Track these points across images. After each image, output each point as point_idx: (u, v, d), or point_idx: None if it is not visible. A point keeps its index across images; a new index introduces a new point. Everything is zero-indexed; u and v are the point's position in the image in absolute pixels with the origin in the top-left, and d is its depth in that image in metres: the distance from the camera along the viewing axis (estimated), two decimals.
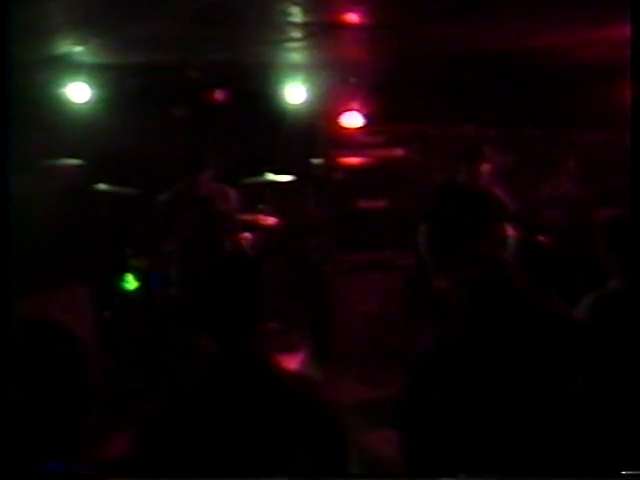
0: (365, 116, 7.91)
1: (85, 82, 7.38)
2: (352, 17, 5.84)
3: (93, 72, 7.30)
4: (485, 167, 6.08)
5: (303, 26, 6.04)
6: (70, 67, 7.13)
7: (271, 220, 7.30)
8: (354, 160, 8.19)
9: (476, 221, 6.05)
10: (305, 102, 7.78)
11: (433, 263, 6.08)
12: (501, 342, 2.57)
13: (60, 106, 7.36)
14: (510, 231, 6.07)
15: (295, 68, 7.61)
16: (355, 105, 7.87)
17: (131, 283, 6.72)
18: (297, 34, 6.30)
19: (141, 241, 6.64)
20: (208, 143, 6.52)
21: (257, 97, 7.72)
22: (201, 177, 6.06)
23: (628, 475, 2.24)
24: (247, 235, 6.81)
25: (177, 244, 6.17)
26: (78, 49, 6.50)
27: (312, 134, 8.00)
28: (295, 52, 7.03)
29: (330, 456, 2.14)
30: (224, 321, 2.19)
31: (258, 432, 2.10)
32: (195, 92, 7.61)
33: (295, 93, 7.73)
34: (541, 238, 5.99)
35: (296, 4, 5.43)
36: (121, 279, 6.75)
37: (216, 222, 6.14)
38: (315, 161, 8.08)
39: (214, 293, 2.23)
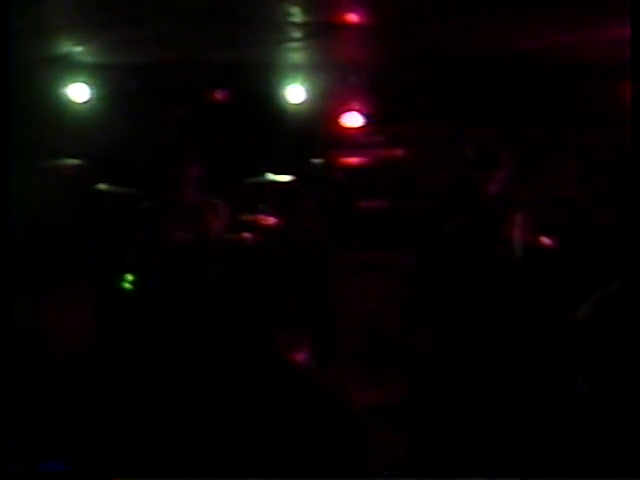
0: (365, 116, 7.90)
1: (85, 82, 7.37)
2: (352, 17, 5.84)
3: (93, 72, 7.30)
4: (501, 174, 5.78)
5: (303, 26, 6.04)
6: (70, 67, 7.13)
7: (271, 220, 7.29)
8: (354, 160, 8.19)
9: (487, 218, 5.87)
10: (305, 102, 7.78)
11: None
12: (503, 341, 2.57)
13: (60, 106, 7.36)
14: (517, 233, 6.02)
15: (295, 68, 7.60)
16: (355, 105, 7.87)
17: (131, 283, 6.71)
18: (297, 34, 6.31)
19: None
20: (204, 142, 6.42)
21: (257, 97, 7.71)
22: (186, 172, 5.61)
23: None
24: (247, 235, 6.80)
25: (160, 258, 5.76)
26: (78, 49, 6.50)
27: (312, 134, 8.00)
28: (295, 52, 7.03)
29: (349, 454, 2.15)
30: (248, 318, 2.19)
31: (276, 430, 2.09)
32: (195, 92, 7.61)
33: (295, 93, 7.73)
34: (544, 239, 5.97)
35: (296, 4, 5.43)
36: (121, 279, 6.73)
37: (204, 239, 5.68)
38: (315, 161, 8.08)
39: (240, 291, 2.23)
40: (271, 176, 7.49)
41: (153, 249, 5.72)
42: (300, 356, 2.72)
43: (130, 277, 6.55)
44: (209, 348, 5.21)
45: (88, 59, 6.96)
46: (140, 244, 5.79)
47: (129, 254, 5.95)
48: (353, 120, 7.93)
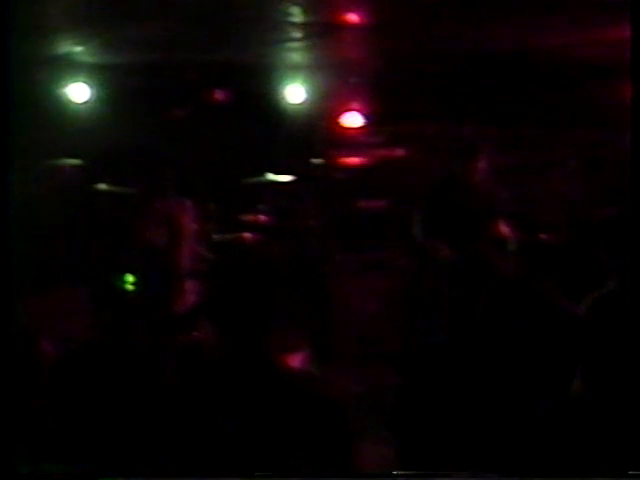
0: (365, 116, 7.90)
1: (85, 82, 7.37)
2: (352, 17, 5.85)
3: (93, 72, 7.30)
4: (482, 164, 6.02)
5: (303, 26, 6.05)
6: (70, 67, 7.13)
7: (271, 220, 7.29)
8: (354, 160, 8.19)
9: (471, 217, 6.03)
10: (305, 102, 7.78)
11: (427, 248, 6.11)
12: (497, 341, 2.57)
13: (60, 106, 7.36)
14: (505, 229, 6.07)
15: (295, 68, 7.61)
16: (355, 105, 7.87)
17: (131, 283, 6.71)
18: (297, 34, 6.31)
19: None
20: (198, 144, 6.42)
21: (257, 97, 7.71)
22: (157, 180, 5.70)
23: (635, 475, 2.24)
24: (247, 235, 6.81)
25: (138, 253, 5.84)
26: (78, 49, 6.51)
27: (312, 134, 7.99)
28: (295, 52, 7.03)
29: (337, 454, 2.15)
30: (239, 319, 2.19)
31: (265, 430, 2.10)
32: (195, 92, 7.61)
33: (295, 93, 7.73)
34: (543, 237, 5.99)
35: (296, 4, 5.44)
36: (121, 279, 6.73)
37: (177, 238, 5.80)
38: (315, 161, 8.08)
39: (237, 291, 2.23)
40: (271, 176, 7.49)
41: (134, 250, 5.82)
42: (298, 356, 2.72)
43: (130, 277, 6.56)
44: (202, 349, 5.22)
45: (88, 59, 6.96)
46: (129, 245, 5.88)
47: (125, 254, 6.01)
48: (353, 120, 7.92)
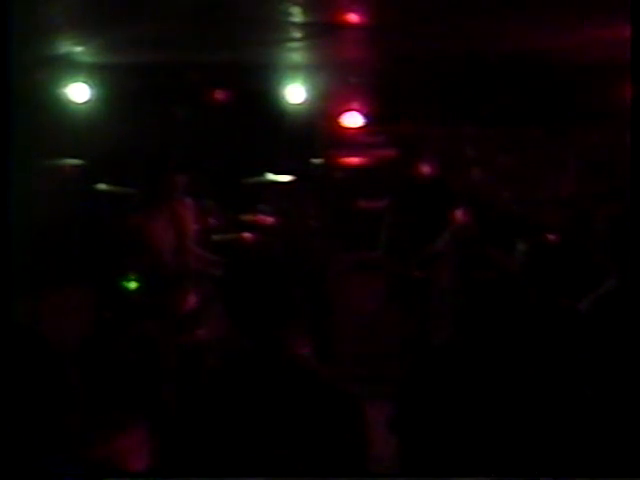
0: (365, 116, 7.91)
1: (85, 82, 7.38)
2: (352, 17, 5.85)
3: (93, 72, 7.30)
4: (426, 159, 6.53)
5: (303, 26, 6.05)
6: (70, 67, 7.14)
7: (271, 220, 7.29)
8: (354, 160, 8.19)
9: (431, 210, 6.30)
10: (305, 102, 7.78)
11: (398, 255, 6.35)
12: (497, 343, 2.57)
13: (60, 106, 7.36)
14: (460, 215, 6.19)
15: (295, 68, 7.61)
16: (355, 105, 7.87)
17: (132, 283, 6.71)
18: (297, 34, 6.31)
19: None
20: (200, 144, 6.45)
21: (257, 97, 7.72)
22: (171, 181, 5.74)
23: None
24: (247, 235, 6.81)
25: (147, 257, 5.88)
26: (78, 49, 6.51)
27: (312, 134, 8.00)
28: (295, 52, 7.04)
29: (352, 453, 2.15)
30: (257, 318, 2.19)
31: (283, 428, 2.09)
32: (195, 92, 7.61)
33: (295, 93, 7.73)
34: (550, 237, 6.02)
35: (296, 4, 5.44)
36: (122, 279, 6.74)
37: (183, 237, 5.84)
38: (315, 161, 8.08)
39: (248, 291, 2.23)
40: (271, 176, 7.49)
41: (142, 252, 5.83)
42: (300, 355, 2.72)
43: (133, 277, 6.56)
44: (205, 349, 5.24)
45: (88, 59, 6.96)
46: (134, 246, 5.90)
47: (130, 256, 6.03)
48: (353, 120, 7.93)
